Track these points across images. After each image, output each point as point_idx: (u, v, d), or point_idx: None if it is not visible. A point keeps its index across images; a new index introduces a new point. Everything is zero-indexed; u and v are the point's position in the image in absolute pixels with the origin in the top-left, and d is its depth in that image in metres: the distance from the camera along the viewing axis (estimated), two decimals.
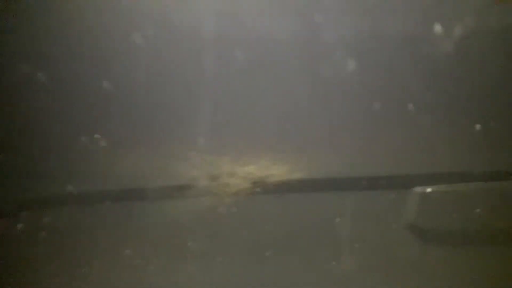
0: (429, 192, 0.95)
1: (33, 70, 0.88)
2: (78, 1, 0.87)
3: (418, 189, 0.95)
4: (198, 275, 0.94)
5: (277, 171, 0.95)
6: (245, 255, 0.96)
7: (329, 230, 0.96)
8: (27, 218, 0.96)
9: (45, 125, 0.94)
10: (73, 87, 0.92)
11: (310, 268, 0.94)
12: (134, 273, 0.95)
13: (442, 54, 0.89)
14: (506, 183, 0.93)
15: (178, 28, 0.88)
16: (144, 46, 0.89)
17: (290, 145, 0.94)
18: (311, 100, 0.93)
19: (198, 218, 0.98)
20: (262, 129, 0.95)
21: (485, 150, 0.94)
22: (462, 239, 0.95)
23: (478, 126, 0.92)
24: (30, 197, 0.97)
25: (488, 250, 0.94)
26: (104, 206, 0.97)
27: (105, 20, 0.88)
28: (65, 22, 0.88)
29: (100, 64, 0.90)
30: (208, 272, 0.95)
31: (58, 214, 0.96)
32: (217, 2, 0.87)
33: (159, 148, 0.95)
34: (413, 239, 0.96)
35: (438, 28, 0.87)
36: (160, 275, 0.95)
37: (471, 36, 0.87)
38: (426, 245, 0.95)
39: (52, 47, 0.90)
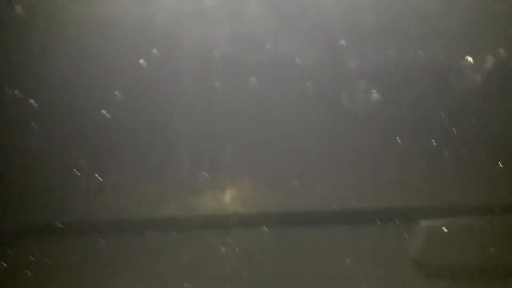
0: (438, 226, 0.92)
1: (25, 97, 0.81)
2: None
3: (426, 222, 0.92)
4: None
5: (279, 203, 0.92)
6: None
7: (332, 264, 0.94)
8: (17, 248, 0.90)
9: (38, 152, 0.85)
10: (67, 116, 0.83)
11: None
12: None
13: (465, 88, 0.84)
14: None
15: (186, 52, 0.79)
16: (146, 74, 0.80)
17: (293, 176, 0.89)
18: (319, 131, 0.88)
19: (196, 251, 0.93)
20: (264, 160, 0.90)
21: (499, 183, 0.91)
22: (472, 275, 0.94)
23: (493, 160, 0.89)
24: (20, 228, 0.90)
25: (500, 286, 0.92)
26: (98, 237, 0.91)
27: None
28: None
29: (93, 93, 0.82)
30: None
31: (55, 245, 0.91)
32: (230, 24, 0.79)
33: (154, 178, 0.90)
34: (420, 275, 0.93)
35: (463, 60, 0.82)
36: None
37: (495, 70, 0.83)
38: (434, 282, 0.94)
39: (47, 75, 0.80)
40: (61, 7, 0.76)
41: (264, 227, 0.92)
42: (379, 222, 0.93)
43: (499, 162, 0.89)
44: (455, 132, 0.87)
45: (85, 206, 0.89)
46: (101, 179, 0.87)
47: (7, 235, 0.90)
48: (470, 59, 0.83)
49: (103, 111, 0.84)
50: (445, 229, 0.93)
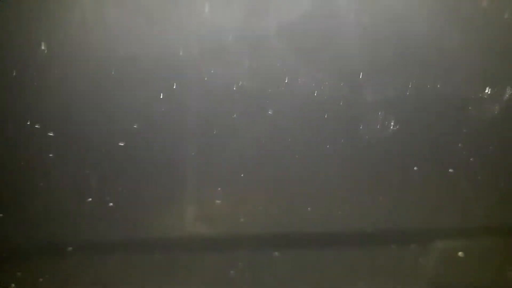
0: (452, 247, 0.92)
1: (44, 130, 0.81)
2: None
3: (440, 243, 0.92)
4: None
5: (295, 226, 0.92)
6: None
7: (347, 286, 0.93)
8: (26, 270, 0.90)
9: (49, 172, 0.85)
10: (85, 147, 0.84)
11: None
12: None
13: (482, 118, 0.84)
14: None
15: (205, 86, 0.80)
16: (165, 108, 0.80)
17: (309, 202, 0.90)
18: (336, 159, 0.88)
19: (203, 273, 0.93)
20: (281, 189, 0.90)
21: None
22: None
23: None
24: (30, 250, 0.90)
25: None
26: (106, 259, 0.92)
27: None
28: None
29: (112, 126, 0.82)
30: None
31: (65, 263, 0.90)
32: (252, 58, 0.79)
33: (170, 206, 0.90)
34: None
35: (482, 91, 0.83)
36: None
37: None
38: None
39: (60, 103, 0.80)
40: (85, 43, 0.76)
41: (277, 250, 0.92)
42: (394, 245, 0.93)
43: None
44: (473, 161, 0.87)
45: (96, 230, 0.89)
46: (114, 207, 0.87)
47: (16, 256, 0.90)
48: (487, 90, 0.83)
49: (121, 144, 0.83)
50: (461, 254, 0.93)
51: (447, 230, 0.94)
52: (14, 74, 0.77)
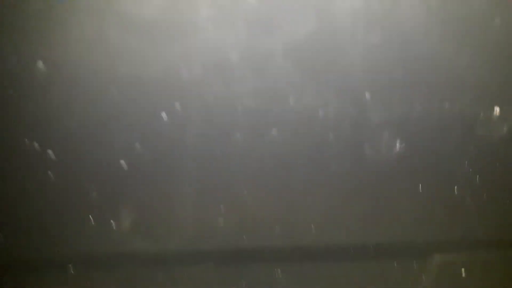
0: (450, 260, 0.92)
1: (44, 148, 0.80)
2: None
3: (438, 256, 0.92)
4: None
5: (295, 242, 0.91)
6: None
7: None
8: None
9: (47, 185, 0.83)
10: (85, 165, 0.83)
11: None
12: None
13: (489, 138, 0.83)
14: None
15: (208, 106, 0.78)
16: (167, 127, 0.79)
17: (312, 220, 0.88)
18: (339, 179, 0.87)
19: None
20: (284, 207, 0.89)
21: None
22: None
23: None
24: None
25: None
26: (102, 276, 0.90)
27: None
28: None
29: (113, 145, 0.80)
30: None
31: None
32: (253, 78, 0.77)
33: (171, 226, 0.89)
34: None
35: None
36: None
37: None
38: None
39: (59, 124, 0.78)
40: (84, 61, 0.74)
41: (281, 267, 0.91)
42: (393, 260, 0.92)
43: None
44: (478, 181, 0.86)
45: (97, 251, 0.88)
46: (116, 228, 0.85)
47: (11, 272, 0.89)
48: (496, 110, 0.82)
49: (122, 161, 0.82)
50: (463, 273, 0.93)
51: (451, 248, 0.93)
52: (11, 93, 0.75)
